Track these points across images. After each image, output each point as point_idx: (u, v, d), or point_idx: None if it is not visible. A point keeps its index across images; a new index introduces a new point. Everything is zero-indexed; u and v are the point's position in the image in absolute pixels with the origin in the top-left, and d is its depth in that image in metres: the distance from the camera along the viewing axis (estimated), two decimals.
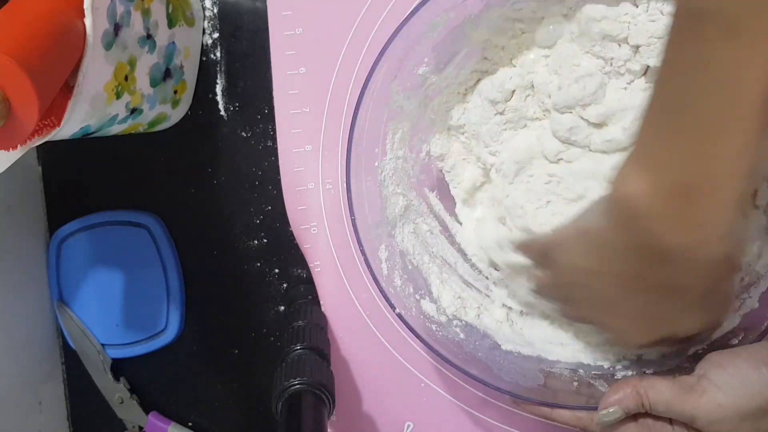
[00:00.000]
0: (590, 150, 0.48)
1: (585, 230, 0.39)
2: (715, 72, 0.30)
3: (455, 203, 0.55)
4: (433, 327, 0.50)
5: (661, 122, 0.32)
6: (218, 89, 0.56)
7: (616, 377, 0.48)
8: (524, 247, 0.46)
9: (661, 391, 0.40)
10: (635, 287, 0.38)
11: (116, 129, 0.46)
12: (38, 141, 0.39)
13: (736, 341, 0.45)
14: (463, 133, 0.53)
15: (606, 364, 0.49)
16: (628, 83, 0.46)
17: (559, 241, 0.42)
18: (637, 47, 0.45)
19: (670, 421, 0.40)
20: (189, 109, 0.56)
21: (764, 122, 0.30)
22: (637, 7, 0.44)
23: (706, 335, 0.45)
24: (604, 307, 0.42)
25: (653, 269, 0.36)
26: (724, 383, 0.38)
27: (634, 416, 0.42)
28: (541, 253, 0.44)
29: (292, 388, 0.46)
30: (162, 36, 0.48)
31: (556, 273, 0.43)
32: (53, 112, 0.39)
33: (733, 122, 0.30)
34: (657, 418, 0.41)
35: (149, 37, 0.46)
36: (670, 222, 0.33)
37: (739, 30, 0.28)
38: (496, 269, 0.54)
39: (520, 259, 0.47)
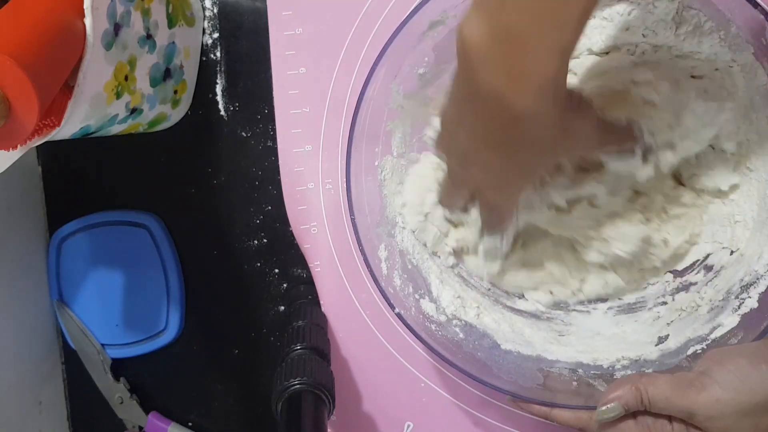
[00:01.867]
0: None
1: (451, 84, 0.39)
2: None
3: None
4: (433, 327, 0.50)
5: None
6: (218, 89, 0.56)
7: (615, 377, 0.48)
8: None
9: (660, 387, 0.40)
10: (479, 137, 0.37)
11: (116, 129, 0.46)
12: (38, 141, 0.39)
13: (735, 341, 0.45)
14: None
15: (605, 364, 0.49)
16: None
17: (440, 138, 0.42)
18: None
19: (669, 419, 0.40)
20: (189, 109, 0.56)
21: None
22: None
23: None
24: (465, 159, 0.41)
25: (485, 117, 0.35)
26: (723, 379, 0.38)
27: (633, 415, 0.42)
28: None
29: (292, 388, 0.46)
30: (162, 36, 0.48)
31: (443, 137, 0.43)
32: (53, 112, 0.39)
33: None
34: (656, 416, 0.41)
35: (149, 37, 0.46)
36: (493, 66, 0.32)
37: None
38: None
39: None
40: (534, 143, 0.37)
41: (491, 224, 0.48)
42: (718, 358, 0.39)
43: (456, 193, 0.47)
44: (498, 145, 0.38)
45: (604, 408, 0.41)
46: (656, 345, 0.50)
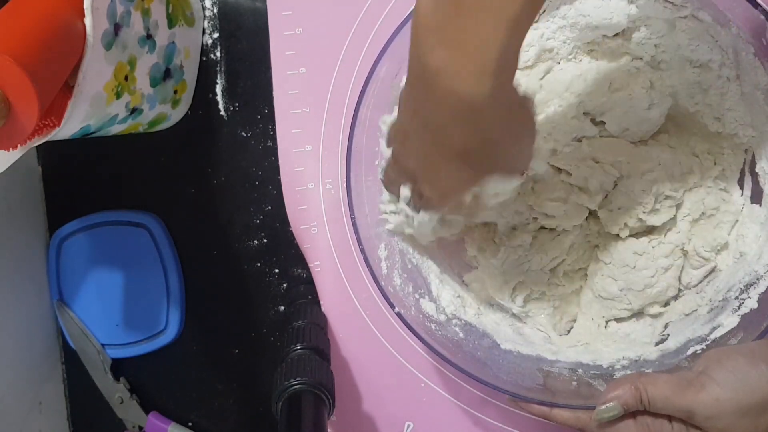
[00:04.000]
0: None
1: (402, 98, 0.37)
2: None
3: None
4: (433, 326, 0.50)
5: None
6: (218, 89, 0.56)
7: (614, 376, 0.48)
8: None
9: (659, 387, 0.40)
10: (417, 121, 0.36)
11: (116, 129, 0.46)
12: (38, 141, 0.39)
13: (735, 341, 0.45)
14: None
15: (605, 364, 0.49)
16: None
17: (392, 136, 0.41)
18: None
19: (669, 418, 0.40)
20: (189, 109, 0.56)
21: None
22: None
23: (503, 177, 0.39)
24: (403, 146, 0.39)
25: (426, 96, 0.33)
26: (723, 379, 0.38)
27: (632, 414, 0.42)
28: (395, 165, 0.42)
29: (292, 388, 0.46)
30: (162, 36, 0.48)
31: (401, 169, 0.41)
32: (53, 112, 0.39)
33: None
34: (655, 415, 0.41)
35: (149, 37, 0.46)
36: (436, 36, 0.30)
37: None
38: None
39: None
40: (470, 132, 0.34)
41: (423, 206, 0.44)
42: (717, 357, 0.39)
43: (395, 179, 0.43)
44: (436, 130, 0.35)
45: (603, 407, 0.41)
46: (656, 345, 0.50)
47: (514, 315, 0.54)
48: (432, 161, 0.37)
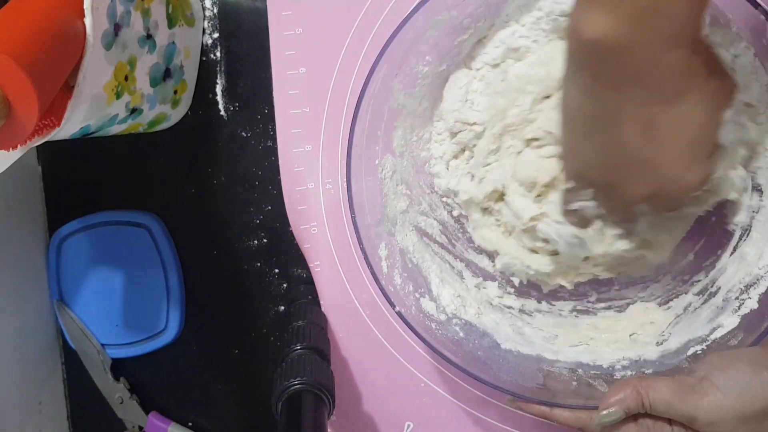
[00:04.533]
0: None
1: (572, 125, 0.38)
2: None
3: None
4: (433, 325, 0.50)
5: None
6: (218, 89, 0.56)
7: (615, 377, 0.48)
8: (567, 200, 0.44)
9: (661, 392, 0.40)
10: (646, 126, 0.36)
11: (116, 129, 0.46)
12: (38, 141, 0.39)
13: (735, 342, 0.45)
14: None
15: (605, 364, 0.49)
16: None
17: (571, 166, 0.41)
18: None
19: (669, 421, 0.40)
20: (189, 109, 0.56)
21: None
22: None
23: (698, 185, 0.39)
24: (644, 171, 0.38)
25: (646, 96, 0.35)
26: (725, 386, 0.38)
27: (633, 416, 0.42)
28: (581, 189, 0.42)
29: (292, 388, 0.46)
30: (162, 36, 0.48)
31: (598, 190, 0.41)
32: (53, 112, 0.39)
33: None
34: (656, 418, 0.41)
35: (149, 37, 0.46)
36: (641, 44, 0.33)
37: None
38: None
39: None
40: (693, 105, 0.35)
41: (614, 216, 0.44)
42: (719, 363, 0.39)
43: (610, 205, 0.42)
44: (656, 133, 0.36)
45: (605, 412, 0.41)
46: (656, 345, 0.50)
47: (514, 315, 0.54)
48: (653, 150, 0.37)
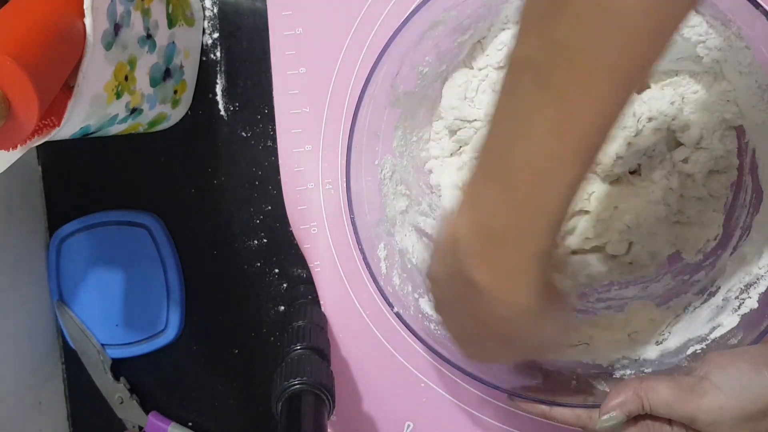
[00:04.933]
0: None
1: (434, 248, 0.39)
2: (531, 124, 0.29)
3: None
4: (432, 326, 0.50)
5: (486, 163, 0.32)
6: (218, 89, 0.56)
7: (614, 376, 0.48)
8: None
9: (661, 393, 0.40)
10: (459, 310, 0.38)
11: (116, 129, 0.46)
12: (38, 141, 0.39)
13: (735, 341, 0.45)
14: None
15: (604, 363, 0.49)
16: None
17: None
18: None
19: (669, 421, 0.40)
20: (189, 109, 0.56)
21: (577, 178, 0.30)
22: None
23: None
24: (447, 323, 0.41)
25: (469, 300, 0.36)
26: (725, 385, 0.38)
27: (633, 417, 0.42)
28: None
29: (292, 388, 0.46)
30: (162, 36, 0.48)
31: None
32: (53, 112, 0.39)
33: (541, 178, 0.30)
34: (656, 418, 0.41)
35: (149, 37, 0.46)
36: (481, 263, 0.33)
37: (550, 80, 0.28)
38: None
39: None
40: (511, 334, 0.37)
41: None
42: (719, 362, 0.39)
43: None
44: (481, 324, 0.37)
45: (606, 417, 0.41)
46: (656, 344, 0.50)
47: None
48: (473, 335, 0.39)
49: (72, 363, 0.61)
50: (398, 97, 0.49)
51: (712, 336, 0.46)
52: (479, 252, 0.33)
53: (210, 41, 0.56)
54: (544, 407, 0.46)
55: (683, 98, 0.48)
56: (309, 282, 0.58)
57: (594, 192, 0.51)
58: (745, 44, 0.44)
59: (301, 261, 0.57)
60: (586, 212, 0.51)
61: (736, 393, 0.38)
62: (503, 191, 0.32)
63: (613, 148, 0.48)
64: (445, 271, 0.37)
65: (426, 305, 0.51)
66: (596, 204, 0.50)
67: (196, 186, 0.58)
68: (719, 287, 0.49)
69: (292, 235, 0.57)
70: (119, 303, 0.59)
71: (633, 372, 0.48)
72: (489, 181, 0.32)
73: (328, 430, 0.45)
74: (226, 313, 0.59)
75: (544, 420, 0.47)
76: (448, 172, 0.54)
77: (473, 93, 0.51)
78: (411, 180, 0.53)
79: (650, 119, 0.47)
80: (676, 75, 0.49)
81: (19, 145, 0.38)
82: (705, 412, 0.38)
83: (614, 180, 0.51)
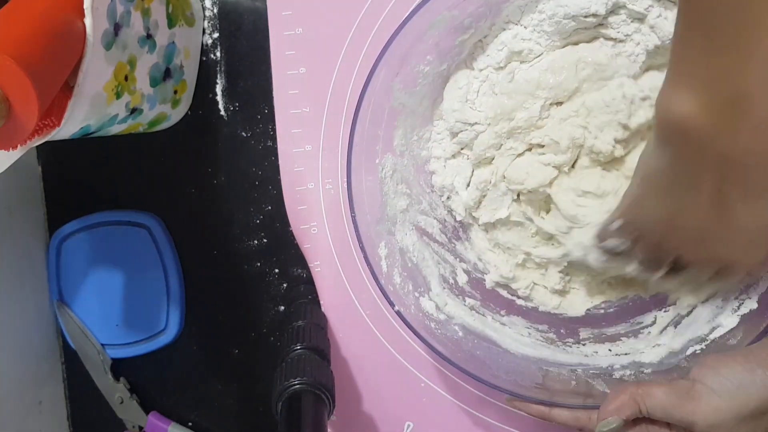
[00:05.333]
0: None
1: (647, 180, 0.39)
2: None
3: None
4: (432, 325, 0.50)
5: (693, 44, 0.32)
6: (218, 89, 0.56)
7: (613, 376, 0.48)
8: (610, 233, 0.44)
9: (657, 398, 0.40)
10: (719, 204, 0.36)
11: (116, 129, 0.46)
12: (38, 141, 0.39)
13: (734, 341, 0.45)
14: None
15: (604, 363, 0.49)
16: None
17: (630, 210, 0.42)
18: None
19: (669, 425, 0.40)
20: (189, 109, 0.56)
21: None
22: None
23: None
24: (703, 241, 0.40)
25: (727, 179, 0.35)
26: (719, 387, 0.38)
27: (632, 421, 0.42)
28: (629, 231, 0.43)
29: (292, 388, 0.46)
30: (162, 36, 0.48)
31: (645, 238, 0.42)
32: (53, 112, 0.39)
33: (761, 29, 0.29)
34: (655, 422, 0.41)
35: (149, 37, 0.46)
36: (727, 133, 0.32)
37: None
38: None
39: (613, 244, 0.45)
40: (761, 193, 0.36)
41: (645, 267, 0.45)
42: (712, 364, 0.39)
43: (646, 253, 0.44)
44: (723, 207, 0.37)
45: (603, 422, 0.42)
46: (656, 345, 0.50)
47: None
48: (752, 222, 0.37)
49: (72, 363, 0.61)
50: (399, 96, 0.49)
51: (712, 336, 0.46)
52: (724, 125, 0.32)
53: (210, 41, 0.56)
54: (543, 408, 0.46)
55: None
56: (309, 282, 0.58)
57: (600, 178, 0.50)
58: None
59: (301, 261, 0.57)
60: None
61: (730, 393, 0.38)
62: (728, 57, 0.30)
63: (608, 136, 0.48)
64: (675, 179, 0.36)
65: (426, 304, 0.51)
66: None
67: (196, 186, 0.58)
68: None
69: (292, 235, 0.57)
70: (119, 303, 0.59)
71: (632, 372, 0.48)
72: (706, 56, 0.31)
73: (328, 430, 0.46)
74: (226, 313, 0.59)
75: (543, 421, 0.47)
76: (455, 171, 0.54)
77: (474, 95, 0.51)
78: (411, 179, 0.53)
79: (644, 98, 0.47)
80: None
81: (19, 145, 0.38)
82: (703, 417, 0.38)
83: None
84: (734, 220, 0.37)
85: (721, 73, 0.31)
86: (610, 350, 0.51)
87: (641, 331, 0.52)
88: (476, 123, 0.51)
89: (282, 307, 0.59)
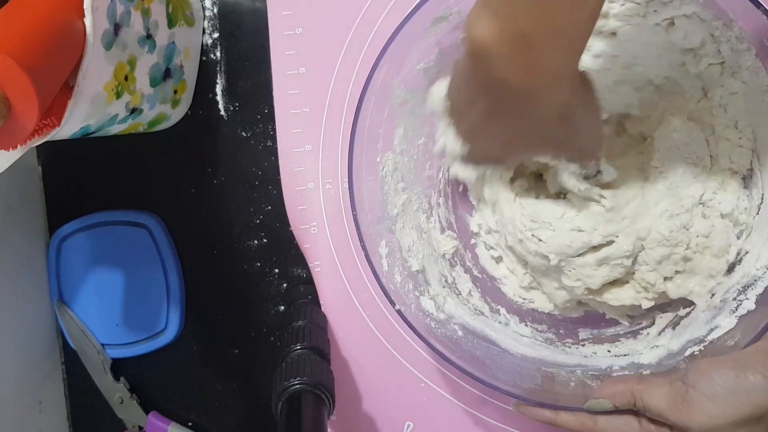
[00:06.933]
0: None
1: (458, 67, 0.40)
2: None
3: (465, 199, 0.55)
4: (432, 324, 0.50)
5: None
6: (218, 89, 0.56)
7: (612, 377, 0.48)
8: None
9: (655, 399, 0.40)
10: (492, 114, 0.39)
11: (116, 129, 0.46)
12: (38, 141, 0.39)
13: (732, 342, 0.45)
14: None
15: (603, 364, 0.49)
16: None
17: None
18: None
19: (671, 427, 0.41)
20: (189, 109, 0.56)
21: None
22: None
23: (579, 161, 0.46)
24: (475, 131, 0.42)
25: (505, 103, 0.37)
26: (712, 393, 0.38)
27: (637, 416, 0.42)
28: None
29: (292, 388, 0.46)
30: (162, 36, 0.48)
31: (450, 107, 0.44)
32: (53, 112, 0.39)
33: None
34: (655, 422, 0.41)
35: (149, 37, 0.46)
36: (514, 65, 0.34)
37: None
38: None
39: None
40: (539, 123, 0.39)
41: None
42: (704, 369, 0.39)
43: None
44: (507, 120, 0.39)
45: (595, 401, 0.43)
46: (654, 346, 0.50)
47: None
48: (503, 142, 0.41)
49: (72, 363, 0.61)
50: (400, 95, 0.49)
51: (710, 337, 0.46)
52: (512, 56, 0.34)
53: (210, 41, 0.56)
54: (548, 413, 0.46)
55: None
56: (309, 282, 0.58)
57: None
58: (747, 45, 0.44)
59: (301, 261, 0.57)
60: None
61: (724, 401, 0.38)
62: None
63: (616, 102, 0.50)
64: (468, 85, 0.38)
65: (427, 303, 0.51)
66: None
67: (196, 186, 0.58)
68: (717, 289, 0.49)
69: (292, 235, 0.57)
70: (119, 303, 0.59)
71: (631, 373, 0.48)
72: None
73: (328, 430, 0.46)
74: (226, 313, 0.59)
75: (549, 425, 0.47)
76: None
77: None
78: (412, 177, 0.53)
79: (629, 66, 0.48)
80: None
81: (19, 145, 0.38)
82: (697, 423, 0.38)
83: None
84: (495, 130, 0.41)
85: (517, 11, 0.32)
86: (609, 351, 0.51)
87: (640, 332, 0.52)
88: None
89: (282, 307, 0.59)
